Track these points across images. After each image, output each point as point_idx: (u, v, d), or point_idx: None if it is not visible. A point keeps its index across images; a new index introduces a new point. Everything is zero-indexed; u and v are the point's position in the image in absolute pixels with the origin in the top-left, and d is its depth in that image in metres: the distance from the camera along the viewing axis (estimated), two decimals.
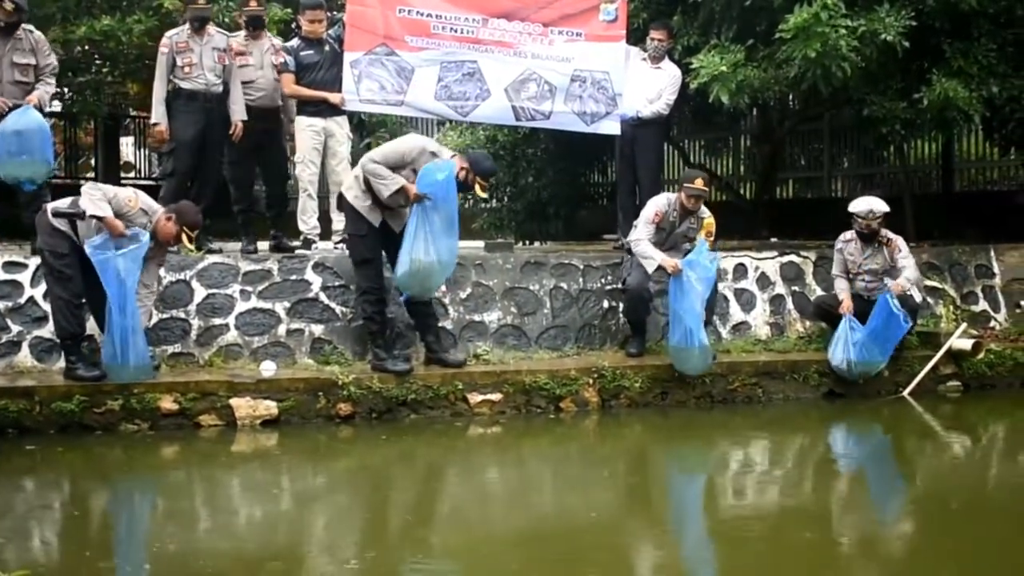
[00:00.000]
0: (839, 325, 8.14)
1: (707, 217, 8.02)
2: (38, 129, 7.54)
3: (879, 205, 8.33)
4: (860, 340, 7.99)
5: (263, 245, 8.60)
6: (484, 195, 7.56)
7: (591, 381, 7.77)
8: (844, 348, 8.03)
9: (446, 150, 7.54)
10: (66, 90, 12.58)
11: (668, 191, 8.89)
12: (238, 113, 8.33)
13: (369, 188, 7.36)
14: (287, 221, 8.89)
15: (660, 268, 7.79)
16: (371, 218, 7.41)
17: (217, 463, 6.65)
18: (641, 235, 7.90)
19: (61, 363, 7.18)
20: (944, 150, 12.18)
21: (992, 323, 9.23)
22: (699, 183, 7.93)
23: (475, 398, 7.52)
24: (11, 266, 7.47)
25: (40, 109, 7.67)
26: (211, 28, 8.36)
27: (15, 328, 7.33)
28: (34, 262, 7.40)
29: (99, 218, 6.79)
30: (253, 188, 8.88)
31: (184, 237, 7.00)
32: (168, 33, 8.36)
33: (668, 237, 7.99)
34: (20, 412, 6.84)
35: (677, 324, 7.67)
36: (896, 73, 9.23)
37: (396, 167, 7.26)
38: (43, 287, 7.33)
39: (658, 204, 7.98)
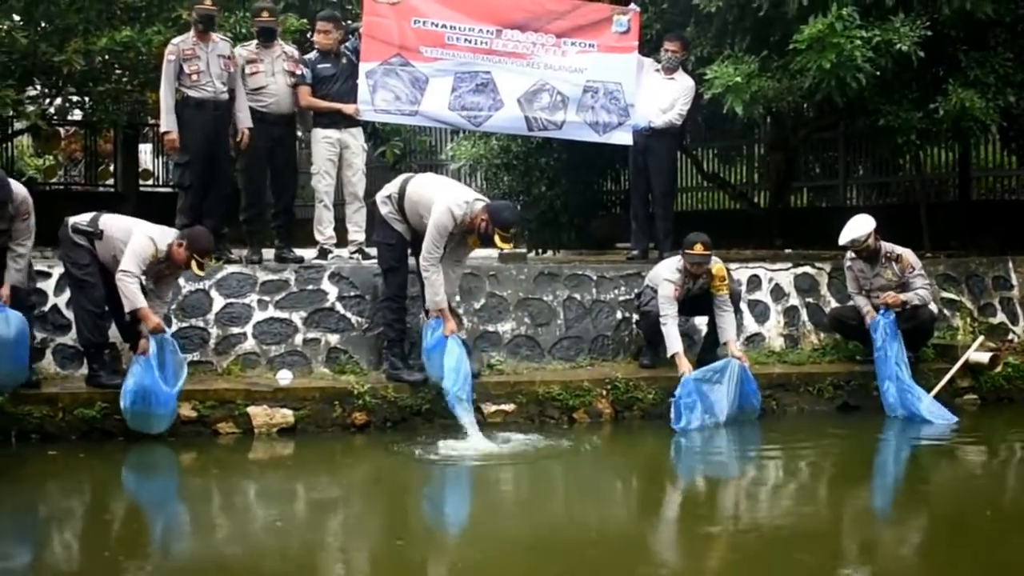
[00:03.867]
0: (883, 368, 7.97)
1: (715, 265, 7.82)
2: (16, 337, 6.74)
3: (859, 232, 8.06)
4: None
5: (267, 254, 8.66)
6: (506, 247, 7.46)
7: (604, 392, 7.80)
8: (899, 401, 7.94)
9: (478, 202, 7.26)
10: (87, 99, 12.69)
11: (678, 203, 8.85)
12: (244, 120, 8.37)
13: (402, 210, 7.42)
14: (295, 231, 8.92)
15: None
16: (402, 231, 7.48)
17: (234, 470, 6.72)
18: (667, 313, 7.71)
19: (84, 370, 7.29)
20: (961, 158, 12.12)
21: (1010, 336, 9.18)
22: (699, 248, 7.69)
23: (489, 408, 7.56)
24: (36, 275, 7.51)
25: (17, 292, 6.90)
26: (215, 35, 8.38)
27: (39, 335, 7.41)
28: (57, 271, 7.52)
29: (135, 312, 6.91)
30: (264, 196, 8.83)
31: (194, 264, 7.03)
32: (174, 40, 8.39)
33: (686, 296, 7.87)
34: (43, 418, 6.96)
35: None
36: (911, 83, 9.23)
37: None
38: (66, 295, 7.47)
39: (672, 278, 7.75)
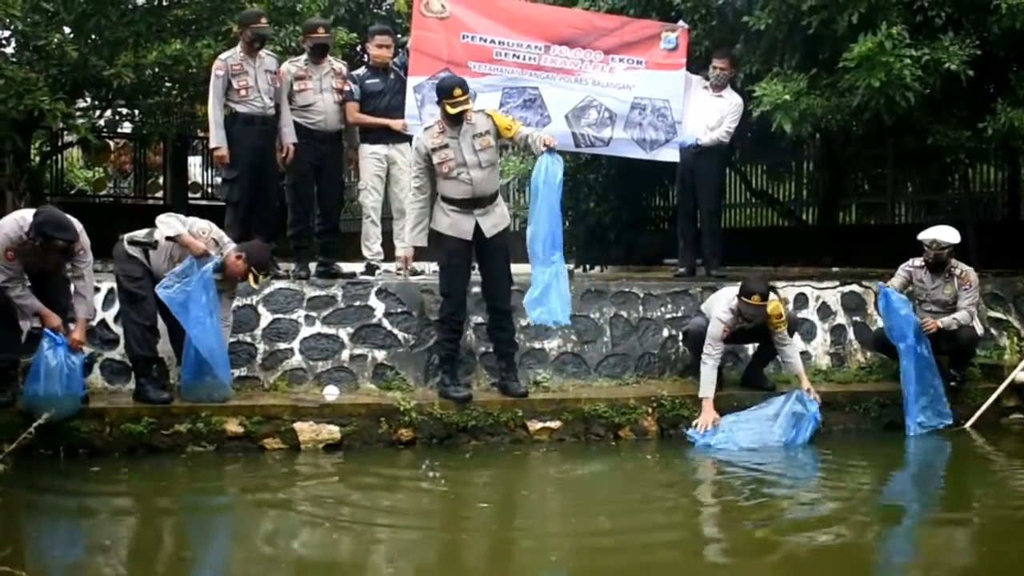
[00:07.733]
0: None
1: (770, 304, 7.62)
2: (69, 381, 6.80)
3: (945, 236, 8.07)
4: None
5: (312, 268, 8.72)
6: (463, 102, 7.30)
7: (650, 410, 7.78)
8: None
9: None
10: (136, 112, 12.88)
11: (726, 220, 8.81)
12: (288, 136, 8.43)
13: (445, 199, 7.44)
14: (339, 246, 8.97)
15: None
16: (462, 233, 7.44)
17: (281, 486, 6.73)
18: (710, 353, 7.59)
19: (131, 385, 7.37)
20: (1010, 177, 12.01)
21: None
22: (756, 300, 7.45)
23: (534, 425, 7.57)
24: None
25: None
26: (262, 51, 8.45)
27: (86, 350, 7.49)
28: (106, 286, 7.61)
29: (174, 238, 7.00)
30: (312, 212, 8.85)
31: (251, 277, 7.17)
32: (222, 56, 8.45)
33: (740, 331, 7.76)
34: (91, 432, 7.01)
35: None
36: (960, 102, 9.15)
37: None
38: (114, 310, 7.57)
39: (724, 318, 7.59)
